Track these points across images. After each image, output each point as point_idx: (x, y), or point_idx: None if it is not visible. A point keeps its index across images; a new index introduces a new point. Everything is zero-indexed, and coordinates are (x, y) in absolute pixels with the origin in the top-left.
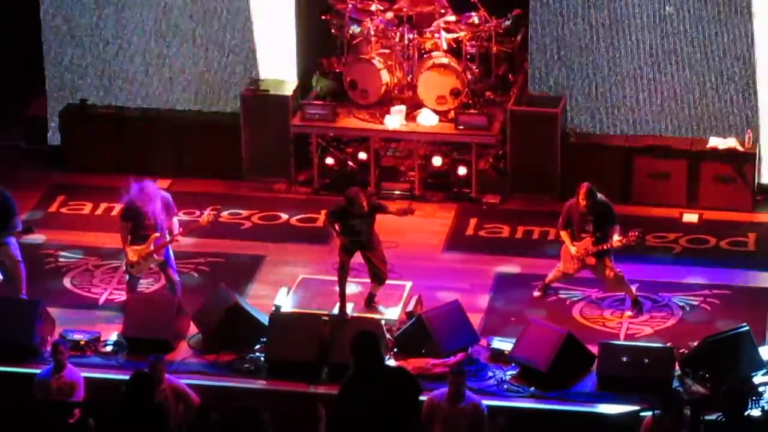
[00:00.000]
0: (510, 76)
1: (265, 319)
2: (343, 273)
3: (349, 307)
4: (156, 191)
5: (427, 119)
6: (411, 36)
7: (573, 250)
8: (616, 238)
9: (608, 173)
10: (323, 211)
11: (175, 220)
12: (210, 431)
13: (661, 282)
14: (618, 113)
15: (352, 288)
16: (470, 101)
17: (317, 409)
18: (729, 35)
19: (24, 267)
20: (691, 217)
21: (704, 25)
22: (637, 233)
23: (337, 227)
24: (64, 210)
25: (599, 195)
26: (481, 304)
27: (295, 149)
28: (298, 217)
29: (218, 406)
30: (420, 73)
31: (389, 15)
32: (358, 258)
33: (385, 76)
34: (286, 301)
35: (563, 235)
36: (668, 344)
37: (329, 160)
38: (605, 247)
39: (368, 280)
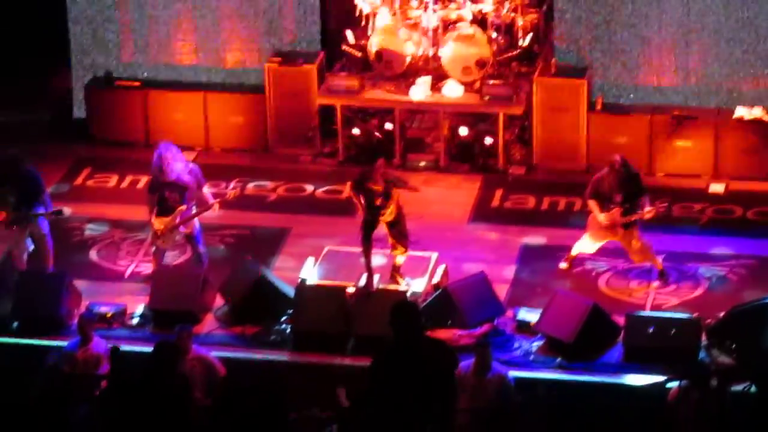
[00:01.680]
0: (536, 46)
1: (290, 291)
2: (368, 245)
3: (375, 279)
4: (178, 152)
5: (453, 90)
6: (436, 7)
7: (601, 217)
8: (647, 208)
9: (634, 144)
10: (348, 183)
11: (206, 189)
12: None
13: (687, 253)
14: (644, 83)
15: (377, 260)
16: (495, 72)
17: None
18: (756, 7)
19: (51, 240)
20: (717, 187)
21: None
22: (666, 203)
23: (361, 198)
24: (89, 183)
25: (628, 165)
26: (507, 275)
27: (320, 121)
28: (324, 188)
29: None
30: (445, 44)
31: None
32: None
33: (410, 48)
34: (312, 273)
35: (591, 204)
36: (695, 315)
37: (355, 131)
38: (635, 218)
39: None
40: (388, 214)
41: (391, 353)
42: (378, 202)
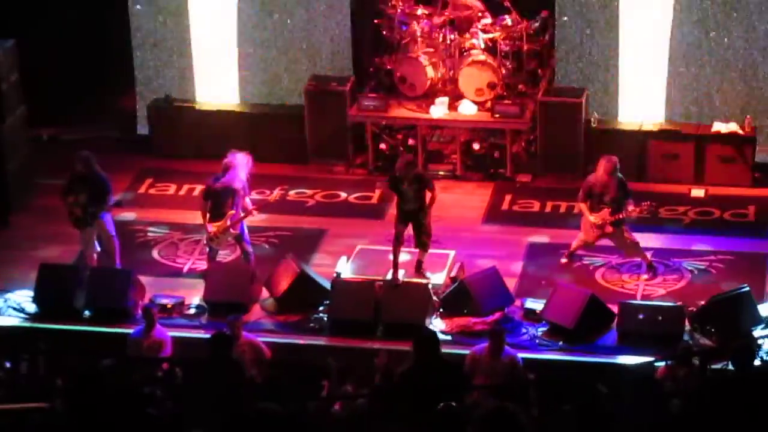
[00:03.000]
0: (539, 70)
1: (327, 285)
2: (398, 243)
3: (401, 273)
4: (244, 159)
5: (467, 109)
6: (452, 36)
7: (592, 219)
8: (630, 208)
9: (625, 155)
10: (377, 190)
11: (248, 199)
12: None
13: (672, 249)
14: (633, 102)
15: (403, 256)
16: (505, 93)
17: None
18: (730, 33)
19: (117, 240)
20: (698, 192)
21: (707, 25)
22: (649, 204)
23: (395, 195)
24: (152, 191)
25: (616, 170)
26: (516, 269)
27: (352, 136)
28: (356, 195)
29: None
30: (461, 68)
31: (437, 20)
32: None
33: (430, 72)
34: (346, 269)
35: (582, 207)
36: (679, 303)
37: (382, 146)
38: (621, 216)
39: (415, 250)
40: (414, 201)
41: (410, 373)
42: (405, 190)
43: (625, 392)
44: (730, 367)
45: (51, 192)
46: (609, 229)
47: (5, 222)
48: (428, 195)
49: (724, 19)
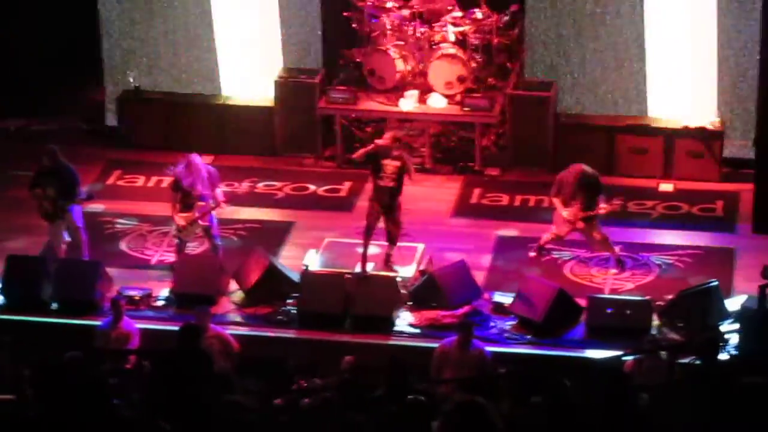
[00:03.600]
0: (509, 64)
1: (296, 277)
2: (368, 235)
3: (370, 266)
4: (200, 165)
5: (437, 102)
6: (422, 29)
7: (565, 214)
8: (602, 205)
9: (594, 149)
10: (346, 183)
11: (219, 190)
12: None
13: (640, 243)
14: (603, 96)
15: (372, 249)
16: (474, 86)
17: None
18: (699, 29)
19: (85, 232)
20: (666, 186)
21: (677, 20)
22: (620, 203)
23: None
24: (120, 182)
25: (588, 169)
26: (484, 263)
27: (321, 129)
28: (325, 188)
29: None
30: (430, 62)
31: (405, 12)
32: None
33: (400, 65)
34: (314, 261)
35: (555, 201)
36: (647, 297)
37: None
38: (592, 214)
39: (385, 243)
40: (392, 179)
41: (381, 399)
42: (386, 165)
43: (593, 386)
44: (698, 361)
45: (18, 184)
46: (580, 224)
47: None
48: (406, 179)
49: (697, 14)
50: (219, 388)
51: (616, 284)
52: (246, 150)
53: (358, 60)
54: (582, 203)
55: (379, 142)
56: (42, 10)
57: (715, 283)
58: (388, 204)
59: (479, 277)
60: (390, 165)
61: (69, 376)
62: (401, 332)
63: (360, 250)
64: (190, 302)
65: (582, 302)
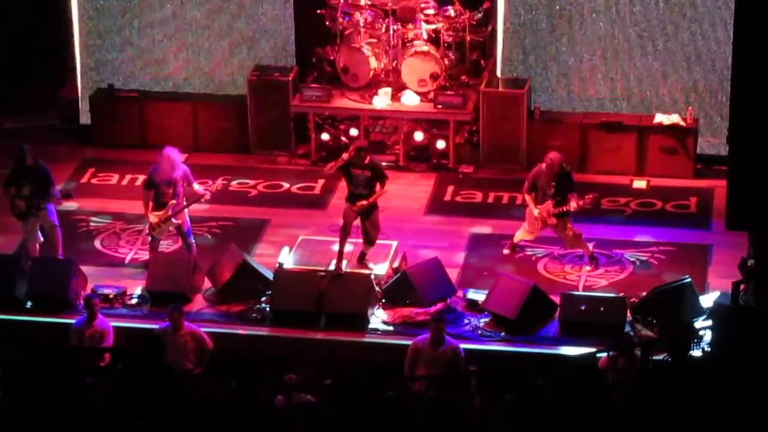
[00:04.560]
0: (482, 61)
1: (269, 275)
2: (345, 233)
3: (344, 264)
4: (178, 158)
5: (410, 99)
6: (395, 27)
7: (536, 212)
8: (573, 204)
9: (568, 146)
10: (320, 180)
11: (196, 185)
12: None
13: (614, 240)
14: (576, 93)
15: (347, 247)
16: (447, 84)
17: None
18: (672, 26)
19: (60, 230)
20: (640, 183)
21: (650, 17)
22: (592, 196)
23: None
24: (94, 181)
25: (563, 164)
26: (458, 260)
27: (295, 127)
28: (298, 185)
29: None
30: (403, 59)
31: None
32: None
33: (373, 62)
34: (288, 259)
35: (527, 198)
36: (621, 294)
37: (325, 136)
38: (564, 210)
39: (359, 240)
40: (364, 186)
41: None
42: (358, 176)
43: (567, 383)
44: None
45: None
46: (553, 221)
47: None
48: (378, 187)
49: (670, 11)
50: (188, 387)
51: (590, 281)
52: (219, 148)
53: (331, 58)
54: (553, 198)
55: (344, 156)
56: (14, 5)
57: (689, 279)
58: (360, 208)
59: (453, 274)
60: (361, 175)
61: (42, 375)
62: (375, 329)
63: (335, 247)
64: (164, 300)
65: (556, 299)
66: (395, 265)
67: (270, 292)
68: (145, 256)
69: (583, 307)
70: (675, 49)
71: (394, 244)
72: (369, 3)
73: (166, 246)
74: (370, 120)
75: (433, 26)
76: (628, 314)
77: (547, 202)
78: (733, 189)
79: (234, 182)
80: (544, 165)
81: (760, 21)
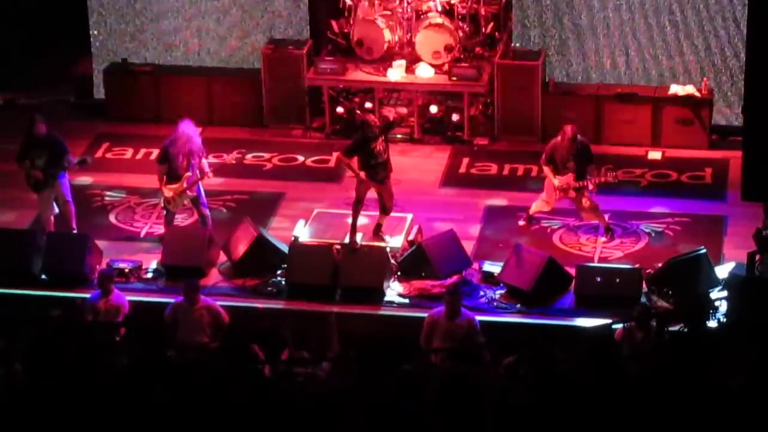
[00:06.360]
0: (496, 33)
1: (285, 248)
2: (358, 206)
3: (359, 237)
4: (194, 131)
5: (425, 72)
6: None
7: (556, 182)
8: (590, 186)
9: (583, 117)
10: (335, 153)
11: (205, 161)
12: None
13: (630, 212)
14: (591, 64)
15: (361, 220)
16: (462, 56)
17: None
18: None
19: (73, 206)
20: (655, 154)
21: None
22: (614, 174)
23: (353, 163)
24: (108, 155)
25: (579, 136)
26: (473, 232)
27: (309, 100)
28: (313, 158)
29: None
30: (417, 31)
31: None
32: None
33: (387, 35)
34: (303, 232)
35: (546, 169)
36: (636, 266)
37: (339, 109)
38: (585, 184)
39: (374, 213)
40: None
41: None
42: (377, 146)
43: (582, 355)
44: (686, 329)
45: (6, 157)
46: (572, 193)
47: None
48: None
49: None
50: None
51: (606, 252)
52: (234, 122)
53: (345, 31)
54: (575, 172)
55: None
56: None
57: (704, 250)
58: (382, 178)
59: (468, 246)
60: (379, 144)
61: (58, 346)
62: (391, 302)
63: (349, 220)
64: (179, 274)
65: (571, 271)
66: (410, 237)
67: (285, 265)
68: (160, 230)
69: (598, 279)
70: (690, 20)
71: (410, 216)
72: None
73: (182, 220)
74: (384, 92)
75: None
76: (644, 286)
77: (567, 174)
78: (748, 160)
79: (249, 156)
80: (559, 138)
81: None
